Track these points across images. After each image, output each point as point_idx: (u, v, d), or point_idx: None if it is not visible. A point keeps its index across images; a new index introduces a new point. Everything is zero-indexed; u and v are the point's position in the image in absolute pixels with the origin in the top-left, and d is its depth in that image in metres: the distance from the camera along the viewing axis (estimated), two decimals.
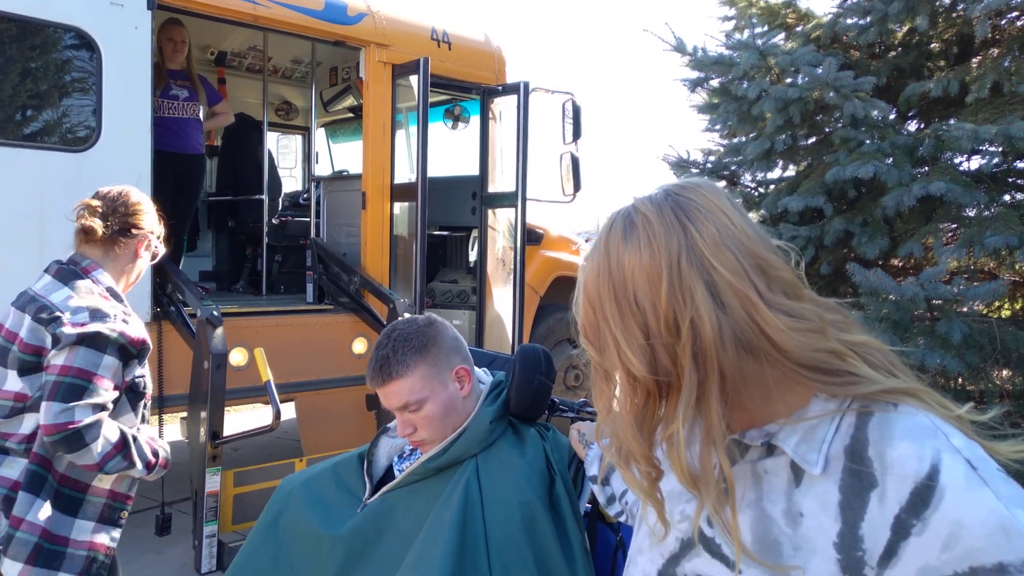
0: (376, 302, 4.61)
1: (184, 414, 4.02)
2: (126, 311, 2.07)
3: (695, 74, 4.30)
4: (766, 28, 4.86)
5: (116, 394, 1.97)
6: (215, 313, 3.54)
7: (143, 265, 2.24)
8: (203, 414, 3.52)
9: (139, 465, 2.00)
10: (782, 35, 4.64)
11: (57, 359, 1.90)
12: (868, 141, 3.70)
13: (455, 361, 1.72)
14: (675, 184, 0.96)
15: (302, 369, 4.47)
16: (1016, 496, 0.80)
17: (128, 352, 1.99)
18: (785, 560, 0.89)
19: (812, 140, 4.24)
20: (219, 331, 3.55)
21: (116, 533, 2.07)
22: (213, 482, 3.56)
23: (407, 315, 1.92)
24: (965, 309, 3.27)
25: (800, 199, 3.81)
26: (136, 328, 2.04)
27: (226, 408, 3.67)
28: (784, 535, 0.90)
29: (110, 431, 1.93)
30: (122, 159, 3.80)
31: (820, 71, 3.47)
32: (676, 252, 0.88)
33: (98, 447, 1.89)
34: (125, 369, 2.00)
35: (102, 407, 1.91)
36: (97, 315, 1.96)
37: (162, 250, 2.27)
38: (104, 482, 2.03)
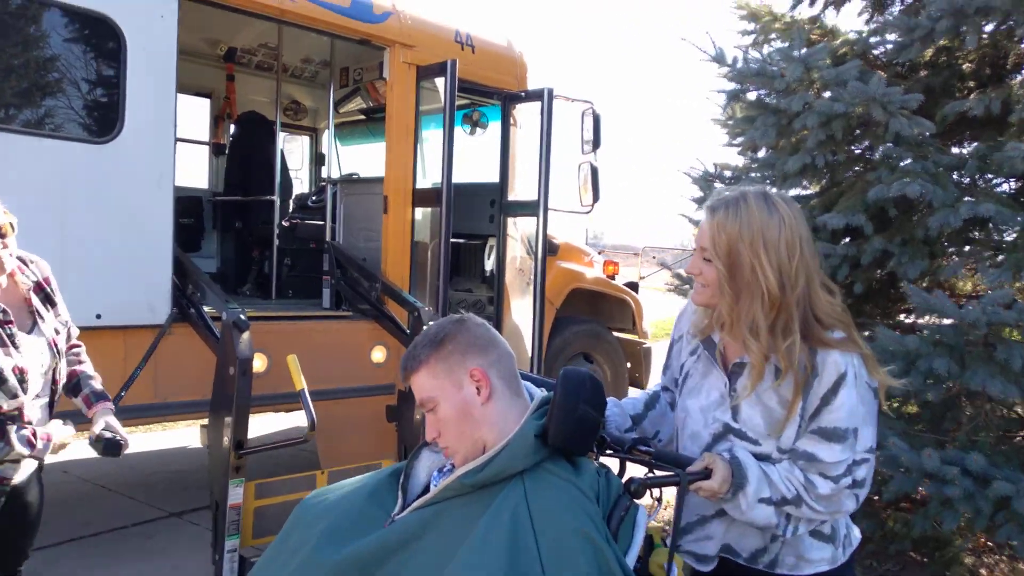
0: (397, 309, 4.48)
1: (204, 421, 3.86)
2: None
3: (731, 85, 4.24)
4: (786, 44, 4.83)
5: None
6: (242, 317, 3.40)
7: None
8: (227, 421, 3.37)
9: (18, 446, 2.02)
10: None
11: None
12: (910, 159, 3.66)
13: (472, 362, 1.59)
14: (772, 192, 1.69)
15: (320, 377, 4.31)
16: (860, 395, 1.61)
17: None
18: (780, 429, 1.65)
19: (843, 157, 4.18)
20: (246, 335, 3.40)
21: None
22: (236, 494, 3.40)
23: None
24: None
25: (840, 216, 3.74)
26: None
27: None
28: (779, 414, 1.65)
29: None
30: (145, 150, 3.66)
31: (870, 86, 3.41)
32: (803, 235, 1.64)
33: None
34: None
35: None
36: None
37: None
38: None
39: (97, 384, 2.42)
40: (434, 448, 1.75)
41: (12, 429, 2.03)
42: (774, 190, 1.70)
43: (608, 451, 1.77)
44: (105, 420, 2.30)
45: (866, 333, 1.77)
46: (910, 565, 4.03)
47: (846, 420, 1.59)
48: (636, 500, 1.54)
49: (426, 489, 1.69)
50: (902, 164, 3.56)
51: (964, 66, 4.26)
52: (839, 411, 1.59)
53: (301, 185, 7.24)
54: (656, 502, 1.85)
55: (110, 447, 2.24)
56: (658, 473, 1.67)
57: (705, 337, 1.81)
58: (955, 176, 3.80)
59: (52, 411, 2.28)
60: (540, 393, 1.71)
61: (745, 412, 1.69)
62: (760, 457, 1.67)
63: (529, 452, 1.53)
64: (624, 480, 1.58)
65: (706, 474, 1.61)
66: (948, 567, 3.72)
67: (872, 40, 4.34)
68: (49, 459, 2.25)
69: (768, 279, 1.58)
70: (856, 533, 1.83)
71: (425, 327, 1.67)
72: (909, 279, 3.69)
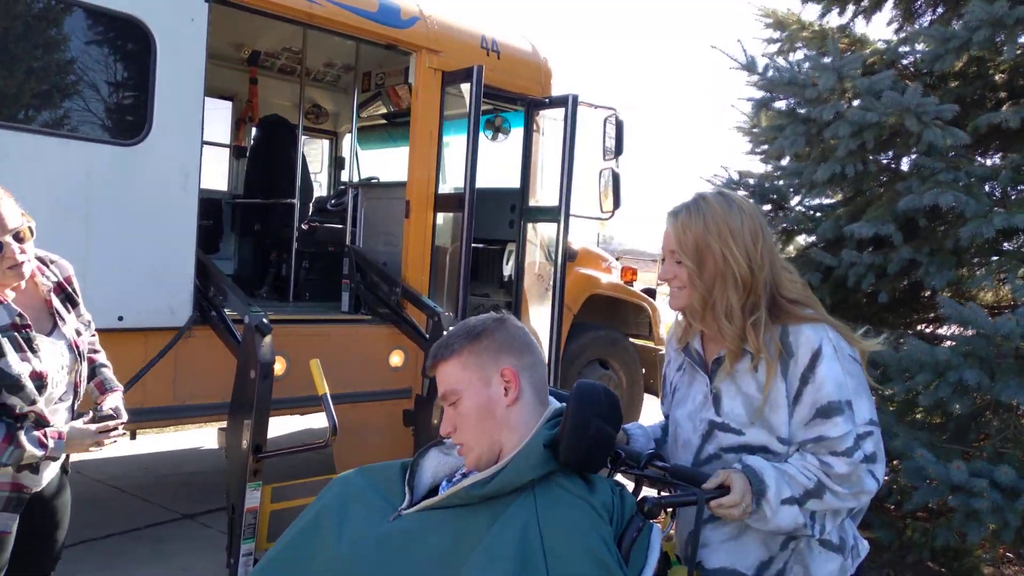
0: (417, 314, 4.46)
1: (223, 424, 3.84)
2: None
3: (760, 94, 4.20)
4: (813, 53, 4.78)
5: None
6: (264, 320, 3.38)
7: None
8: (246, 425, 3.35)
9: (29, 447, 2.01)
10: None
11: None
12: (942, 170, 3.61)
13: (506, 361, 1.56)
14: (726, 191, 1.81)
15: (338, 380, 4.27)
16: (845, 368, 1.62)
17: None
18: (767, 415, 1.66)
19: (873, 167, 4.13)
20: (267, 339, 3.38)
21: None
22: (253, 498, 3.38)
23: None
24: None
25: (870, 226, 3.71)
26: None
27: None
28: (758, 399, 1.66)
29: None
30: (172, 154, 3.65)
31: (905, 97, 3.37)
32: (762, 224, 1.73)
33: None
34: None
35: None
36: None
37: (15, 251, 2.04)
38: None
39: (109, 372, 2.42)
40: (444, 450, 1.72)
41: (22, 432, 2.01)
42: (727, 189, 1.84)
43: (623, 467, 1.74)
44: (116, 404, 2.32)
45: (881, 340, 1.75)
46: (926, 574, 3.97)
47: (836, 393, 1.60)
48: (650, 519, 1.50)
49: (433, 491, 1.64)
50: (936, 175, 3.50)
51: (996, 77, 4.21)
52: (826, 386, 1.60)
53: (320, 189, 7.24)
54: (670, 517, 1.81)
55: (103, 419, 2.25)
56: (674, 492, 1.66)
57: (686, 346, 1.85)
58: (986, 187, 3.75)
59: (74, 414, 2.26)
60: (556, 403, 1.66)
61: (726, 404, 1.71)
62: (749, 449, 1.67)
63: (538, 463, 1.48)
64: (638, 499, 1.54)
65: (723, 491, 1.57)
66: None
67: (901, 49, 4.30)
68: (77, 457, 2.23)
69: (739, 263, 1.67)
70: (864, 544, 1.80)
71: (447, 330, 1.62)
72: (936, 289, 3.64)
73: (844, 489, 1.60)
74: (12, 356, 1.98)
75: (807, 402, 1.62)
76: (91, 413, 2.26)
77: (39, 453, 2.04)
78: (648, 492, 1.65)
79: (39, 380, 2.04)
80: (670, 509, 1.61)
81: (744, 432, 1.68)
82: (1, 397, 2.00)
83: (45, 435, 2.06)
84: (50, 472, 2.22)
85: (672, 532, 1.85)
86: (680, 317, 1.86)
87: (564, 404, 1.59)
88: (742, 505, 1.56)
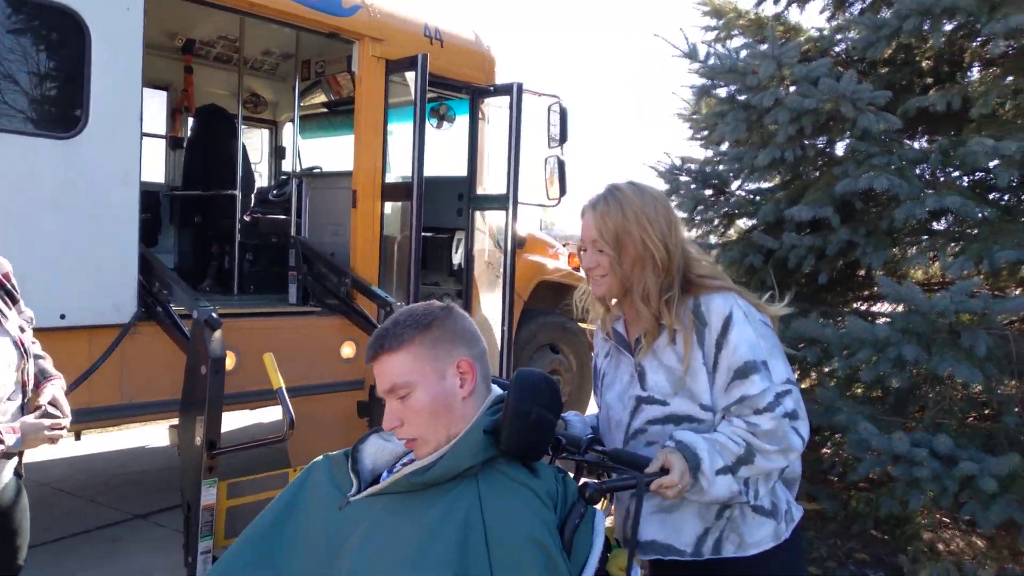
0: (367, 304, 4.44)
1: (173, 421, 3.78)
2: None
3: (702, 81, 4.29)
4: (749, 40, 4.90)
5: None
6: (214, 315, 3.33)
7: None
8: (198, 421, 3.30)
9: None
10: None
11: None
12: (876, 154, 3.75)
13: (460, 352, 1.51)
14: (637, 181, 1.88)
15: (289, 374, 4.24)
16: (757, 331, 1.72)
17: None
18: (688, 384, 1.73)
19: (810, 152, 4.27)
20: (218, 334, 3.33)
21: None
22: (209, 495, 3.33)
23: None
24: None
25: (808, 209, 3.82)
26: None
27: None
28: (679, 370, 1.74)
29: None
30: (110, 146, 3.54)
31: (841, 84, 3.48)
32: (669, 209, 1.83)
33: None
34: None
35: None
36: None
37: None
38: None
39: (46, 363, 2.34)
40: (384, 436, 1.66)
41: None
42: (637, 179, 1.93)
43: (563, 453, 1.76)
44: (52, 394, 2.24)
45: (784, 305, 1.83)
46: (872, 543, 4.16)
47: (751, 353, 1.68)
48: (592, 505, 1.49)
49: (376, 480, 1.60)
50: (870, 158, 3.64)
51: (923, 63, 4.38)
52: (739, 348, 1.68)
53: (260, 179, 7.11)
54: (609, 502, 1.84)
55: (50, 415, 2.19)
56: (614, 476, 1.67)
57: (609, 331, 1.92)
58: (916, 170, 3.92)
59: (23, 414, 2.20)
60: (498, 390, 1.63)
61: (651, 379, 1.78)
62: (675, 419, 1.74)
63: (478, 449, 1.45)
64: (579, 485, 1.52)
65: (663, 472, 1.60)
66: (909, 543, 3.85)
67: (835, 37, 4.44)
68: (29, 456, 2.17)
69: (658, 247, 1.75)
70: (798, 509, 1.85)
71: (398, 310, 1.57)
72: (872, 268, 3.80)
73: (771, 446, 1.66)
74: None
75: (724, 367, 1.70)
76: (41, 408, 2.20)
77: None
78: (587, 478, 1.68)
79: None
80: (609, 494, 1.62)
81: (668, 402, 1.75)
82: None
83: (0, 432, 2.00)
84: (4, 475, 2.16)
85: (610, 515, 1.88)
86: (599, 306, 1.93)
87: (504, 392, 1.55)
88: (679, 484, 1.60)
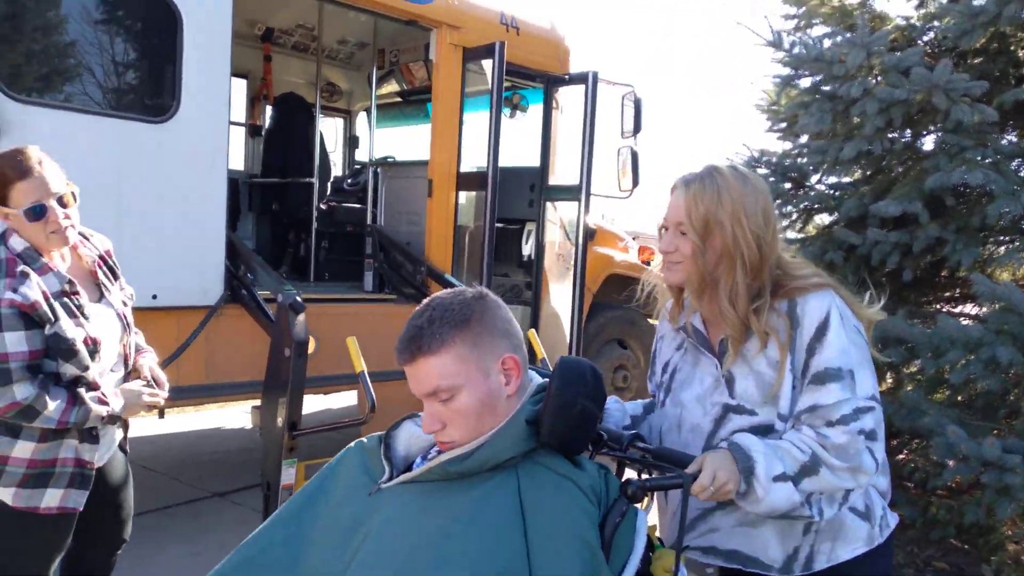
0: None
1: (254, 402, 3.88)
2: (17, 278, 1.97)
3: (785, 71, 4.20)
4: (831, 29, 4.77)
5: (39, 360, 1.99)
6: (299, 299, 3.40)
7: (41, 230, 2.03)
8: (281, 402, 3.38)
9: (95, 407, 2.04)
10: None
11: None
12: (970, 148, 3.62)
13: (504, 348, 1.39)
14: (740, 166, 1.71)
15: (367, 359, 4.32)
16: (849, 337, 1.57)
17: (30, 318, 1.96)
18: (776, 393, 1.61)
19: (900, 145, 4.14)
20: (301, 317, 3.41)
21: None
22: (288, 475, 3.41)
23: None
24: None
25: (896, 204, 3.71)
26: (28, 292, 1.96)
27: None
28: (771, 377, 1.60)
29: (56, 394, 1.98)
30: (200, 132, 3.65)
31: (935, 73, 3.37)
32: (770, 206, 1.66)
33: (51, 412, 1.96)
34: (34, 332, 1.97)
35: (30, 379, 1.95)
36: None
37: (59, 215, 2.04)
38: None
39: (139, 338, 2.43)
40: (419, 422, 1.55)
41: (83, 390, 2.04)
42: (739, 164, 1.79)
43: (604, 449, 1.64)
44: (150, 366, 2.35)
45: (878, 309, 1.68)
46: (951, 552, 4.02)
47: (837, 360, 1.54)
48: (634, 503, 1.41)
49: (409, 467, 1.52)
50: (963, 152, 3.51)
51: (1020, 53, 4.20)
52: (827, 351, 1.54)
53: (335, 168, 7.23)
54: (650, 500, 1.72)
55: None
56: (658, 474, 1.57)
57: (685, 325, 1.76)
58: (1012, 165, 3.77)
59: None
60: (539, 379, 1.53)
61: (740, 385, 1.64)
62: (761, 429, 1.59)
63: (519, 439, 1.37)
64: (622, 482, 1.43)
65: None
66: (993, 553, 3.71)
67: (923, 26, 4.29)
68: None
69: (750, 245, 1.59)
70: (893, 516, 1.74)
71: (427, 299, 1.45)
72: (961, 267, 3.66)
73: (841, 463, 1.52)
74: (66, 321, 2.00)
75: (812, 373, 1.56)
76: (142, 377, 2.30)
77: (103, 411, 2.06)
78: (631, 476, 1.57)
79: (92, 346, 2.06)
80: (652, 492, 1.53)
81: (757, 412, 1.62)
82: (56, 366, 2.01)
83: (104, 396, 2.09)
84: (108, 444, 2.24)
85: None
86: (669, 294, 1.79)
87: (546, 380, 1.46)
88: (710, 487, 1.48)
